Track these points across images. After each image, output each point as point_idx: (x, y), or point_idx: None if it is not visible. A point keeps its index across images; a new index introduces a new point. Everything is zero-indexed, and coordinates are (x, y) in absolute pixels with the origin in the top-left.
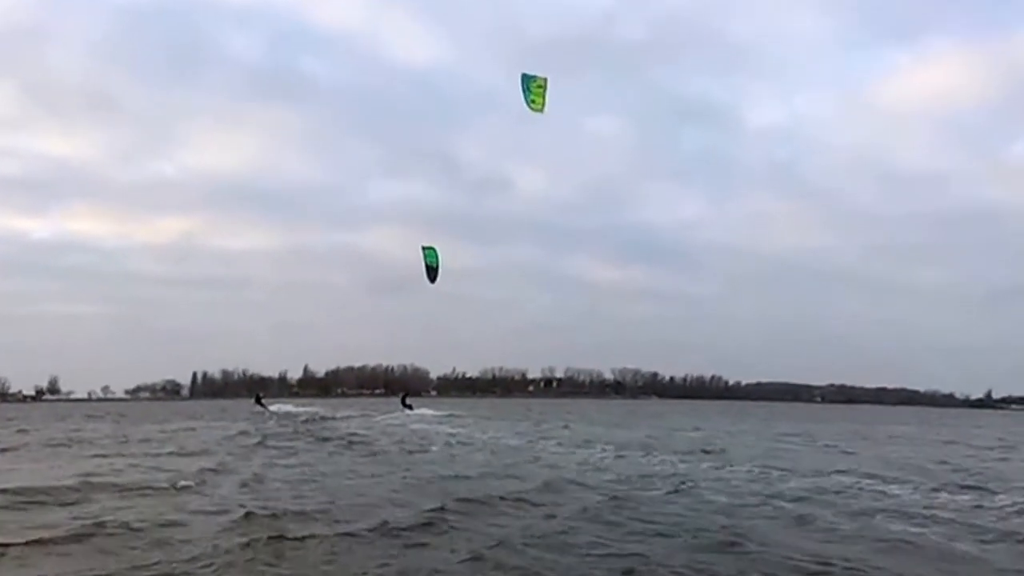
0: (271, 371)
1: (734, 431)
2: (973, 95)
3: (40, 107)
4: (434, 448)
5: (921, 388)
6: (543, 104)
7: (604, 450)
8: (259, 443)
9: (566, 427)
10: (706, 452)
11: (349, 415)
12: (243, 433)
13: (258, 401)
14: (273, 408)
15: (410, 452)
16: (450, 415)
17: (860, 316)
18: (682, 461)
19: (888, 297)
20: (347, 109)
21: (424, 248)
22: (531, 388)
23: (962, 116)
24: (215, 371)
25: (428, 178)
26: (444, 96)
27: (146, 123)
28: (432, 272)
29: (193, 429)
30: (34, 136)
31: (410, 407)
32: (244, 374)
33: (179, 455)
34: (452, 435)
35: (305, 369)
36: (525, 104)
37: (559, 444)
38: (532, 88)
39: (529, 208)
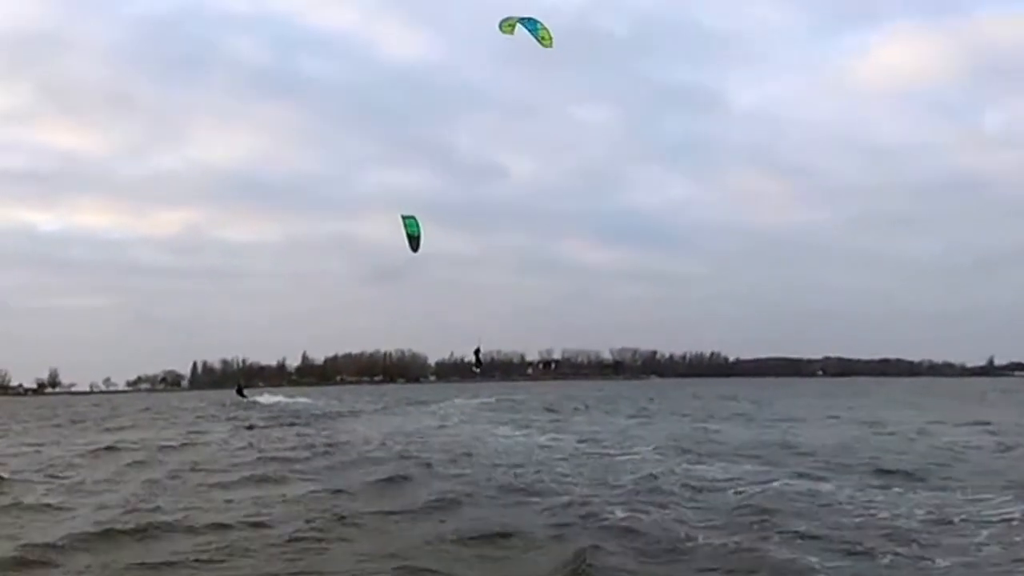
0: (270, 359)
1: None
2: (940, 71)
3: (53, 104)
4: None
5: (920, 359)
6: (551, 39)
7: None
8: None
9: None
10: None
11: (358, 409)
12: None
13: (240, 392)
14: (259, 399)
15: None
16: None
17: (850, 288)
18: None
19: (876, 268)
20: (344, 105)
21: (404, 217)
22: (530, 371)
23: (932, 91)
24: (215, 361)
25: (423, 168)
26: (436, 91)
27: (154, 120)
28: (414, 241)
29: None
30: (45, 131)
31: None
32: (243, 363)
33: None
34: (546, 447)
35: (303, 357)
36: (537, 43)
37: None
38: (534, 27)
39: (522, 195)
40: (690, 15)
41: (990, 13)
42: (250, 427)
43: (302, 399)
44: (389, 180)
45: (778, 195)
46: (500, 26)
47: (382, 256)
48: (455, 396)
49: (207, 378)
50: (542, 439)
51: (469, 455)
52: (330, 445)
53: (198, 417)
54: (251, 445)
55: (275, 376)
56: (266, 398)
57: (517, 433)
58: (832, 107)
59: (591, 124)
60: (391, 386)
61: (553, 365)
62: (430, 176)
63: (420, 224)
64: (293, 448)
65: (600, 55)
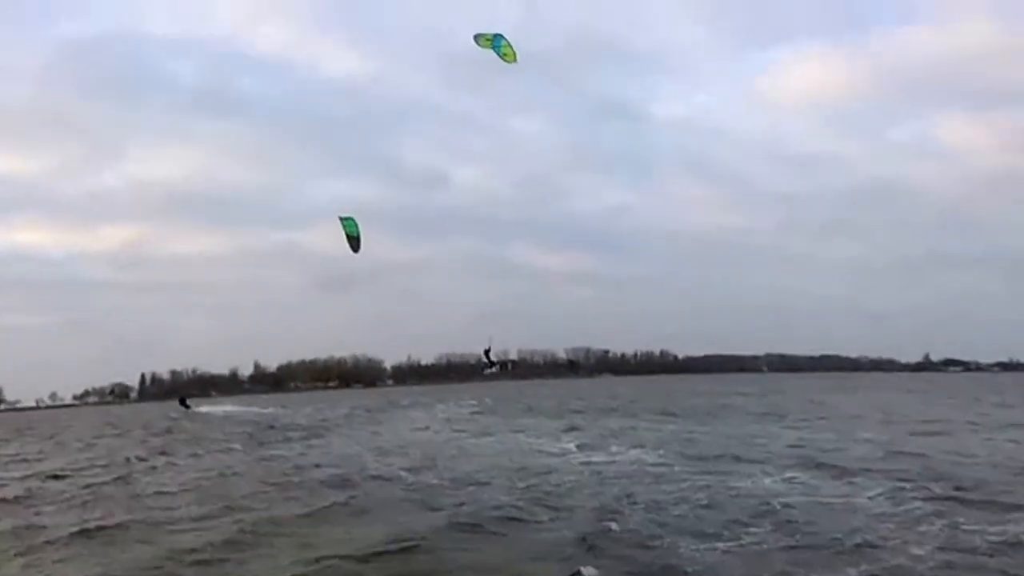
0: (222, 369)
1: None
2: (845, 86)
3: None
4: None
5: (861, 355)
6: (514, 55)
7: None
8: None
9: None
10: None
11: (325, 420)
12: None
13: (183, 403)
14: (205, 410)
15: None
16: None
17: (786, 288)
18: None
19: (809, 269)
20: (287, 121)
21: (342, 218)
22: (486, 372)
23: (840, 105)
24: (164, 372)
25: (369, 178)
26: (378, 105)
27: (93, 140)
28: (353, 241)
29: None
30: None
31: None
32: (193, 373)
33: None
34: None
35: (256, 365)
36: (499, 58)
37: None
38: (496, 44)
39: (469, 202)
40: (619, 32)
41: (887, 29)
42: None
43: (253, 408)
44: (336, 191)
45: (712, 201)
46: (477, 40)
47: (333, 265)
48: (436, 401)
49: (156, 389)
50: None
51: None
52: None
53: (95, 438)
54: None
55: (228, 385)
56: (213, 408)
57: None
58: (754, 119)
59: (530, 135)
60: (347, 391)
61: (511, 366)
62: (377, 185)
63: (359, 225)
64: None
65: (535, 69)
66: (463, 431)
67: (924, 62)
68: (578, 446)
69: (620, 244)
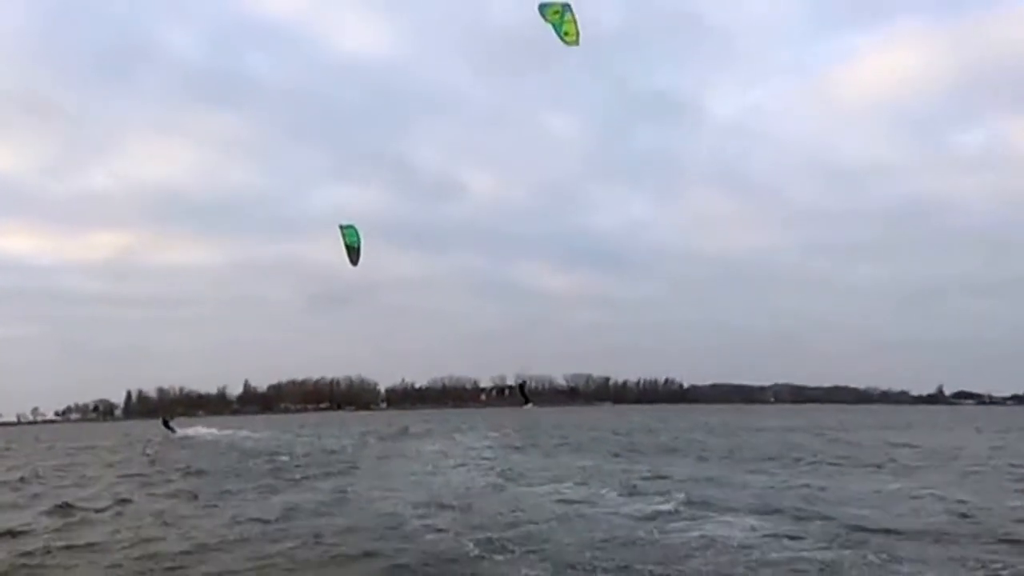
0: (210, 388)
1: None
2: (928, 80)
3: None
4: None
5: (870, 386)
6: (576, 34)
7: None
8: None
9: None
10: None
11: (333, 452)
12: None
13: (166, 424)
14: (190, 432)
15: None
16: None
17: (800, 314)
18: None
19: (826, 295)
20: (293, 111)
21: (342, 227)
22: (483, 397)
23: (912, 104)
24: (151, 390)
25: (378, 183)
26: (397, 94)
27: (79, 132)
28: (353, 253)
29: None
30: None
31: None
32: (180, 392)
33: None
34: None
35: (245, 385)
36: (558, 38)
37: None
38: (562, 18)
39: (480, 213)
40: (688, 5)
41: (994, 13)
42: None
43: (243, 432)
44: (340, 197)
45: (737, 217)
46: (543, 12)
47: (330, 279)
48: (452, 431)
49: (142, 407)
50: None
51: None
52: None
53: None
54: None
55: (216, 405)
56: (200, 431)
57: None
58: (806, 121)
59: (559, 135)
60: (340, 414)
61: (507, 392)
62: (384, 192)
63: (360, 234)
64: None
65: (581, 52)
66: (514, 474)
67: (1013, 51)
68: (683, 504)
69: (632, 263)
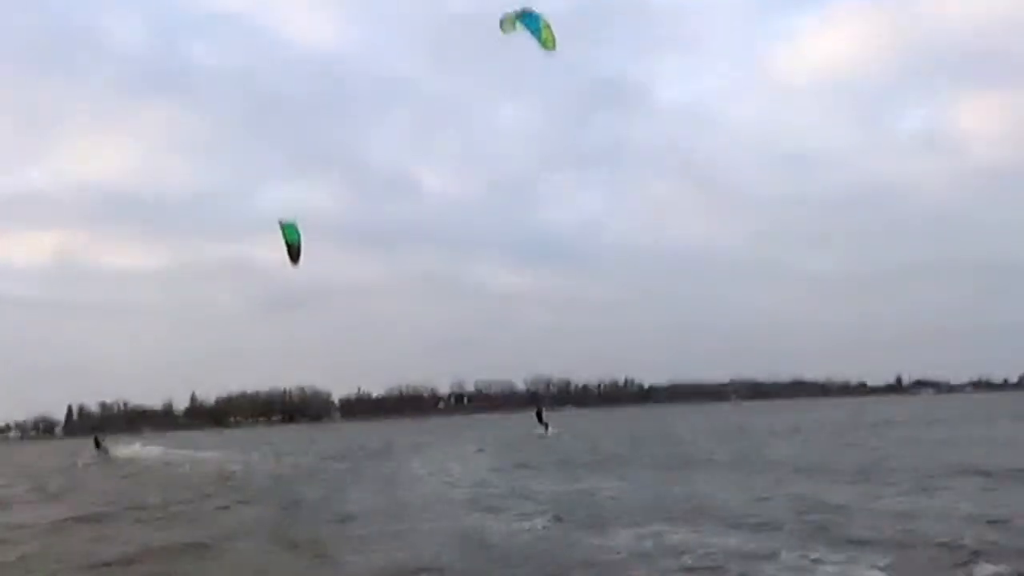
0: (155, 401)
1: None
2: (870, 62)
3: None
4: None
5: (829, 378)
6: (554, 40)
7: None
8: None
9: None
10: None
11: (308, 476)
12: None
13: (97, 444)
14: (125, 453)
15: None
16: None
17: (755, 306)
18: None
19: (781, 284)
20: (240, 104)
21: (282, 224)
22: (442, 405)
23: (855, 86)
24: (93, 404)
25: (330, 181)
26: (349, 87)
27: (12, 126)
28: (294, 250)
29: None
30: None
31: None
32: (124, 407)
33: None
34: None
35: (192, 398)
36: (539, 45)
37: None
38: (539, 27)
39: (434, 210)
40: None
41: None
42: None
43: (188, 451)
44: (290, 195)
45: (690, 207)
46: (501, 25)
47: (281, 283)
48: (430, 444)
49: (84, 423)
50: None
51: None
52: None
53: None
54: None
55: (161, 421)
56: (140, 450)
57: None
58: (754, 105)
59: (513, 126)
60: (294, 427)
61: (466, 399)
62: (336, 190)
63: (300, 231)
64: None
65: (534, 40)
66: (571, 511)
67: (963, 27)
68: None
69: (588, 259)
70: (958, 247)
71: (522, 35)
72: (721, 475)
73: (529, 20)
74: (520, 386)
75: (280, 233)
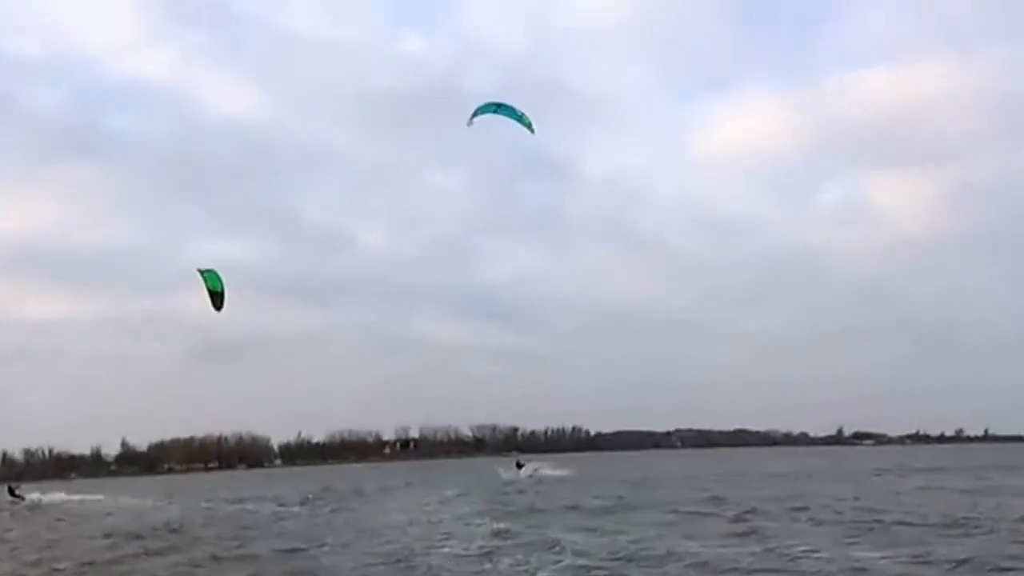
0: (83, 448)
1: None
2: (785, 141)
3: None
4: None
5: (771, 428)
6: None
7: None
8: None
9: None
10: None
11: (267, 526)
12: None
13: (12, 492)
14: (44, 500)
15: None
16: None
17: (699, 360)
18: None
19: (723, 341)
20: (162, 166)
21: (202, 272)
22: (387, 451)
23: (776, 163)
24: (16, 451)
25: (262, 236)
26: (279, 153)
27: None
28: (217, 298)
29: None
30: None
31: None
32: (50, 453)
33: None
34: None
35: (123, 444)
36: (524, 128)
37: None
38: (519, 115)
39: (372, 265)
40: (559, 73)
41: (839, 78)
42: None
43: (124, 498)
44: (218, 251)
45: (625, 268)
46: (473, 115)
47: (215, 332)
48: (400, 486)
49: (7, 471)
50: None
51: None
52: None
53: None
54: None
55: (91, 467)
56: (62, 497)
57: None
58: (681, 178)
59: (446, 191)
60: (231, 472)
61: (412, 444)
62: (269, 245)
63: (223, 279)
64: None
65: (462, 114)
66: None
67: (868, 111)
68: None
69: (530, 314)
70: (889, 310)
71: (451, 109)
72: None
73: (507, 111)
74: (466, 432)
75: (202, 281)
